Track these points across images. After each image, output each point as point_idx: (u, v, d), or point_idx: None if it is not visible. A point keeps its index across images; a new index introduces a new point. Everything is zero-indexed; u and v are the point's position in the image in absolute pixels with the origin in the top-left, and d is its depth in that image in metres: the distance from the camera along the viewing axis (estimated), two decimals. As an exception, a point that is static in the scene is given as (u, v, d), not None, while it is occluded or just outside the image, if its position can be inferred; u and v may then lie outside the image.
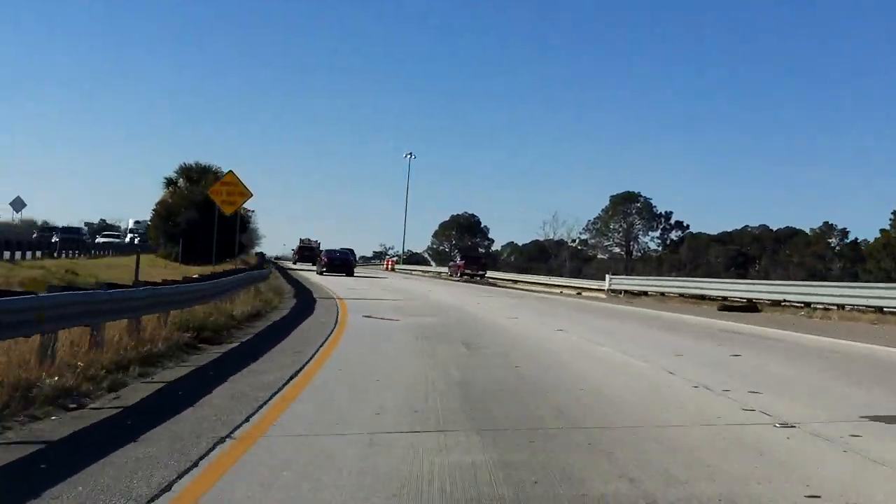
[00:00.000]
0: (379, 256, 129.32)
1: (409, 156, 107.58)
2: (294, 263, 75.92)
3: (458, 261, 63.66)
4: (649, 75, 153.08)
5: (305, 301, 27.02)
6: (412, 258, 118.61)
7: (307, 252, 73.32)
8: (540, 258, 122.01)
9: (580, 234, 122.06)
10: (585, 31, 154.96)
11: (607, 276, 39.64)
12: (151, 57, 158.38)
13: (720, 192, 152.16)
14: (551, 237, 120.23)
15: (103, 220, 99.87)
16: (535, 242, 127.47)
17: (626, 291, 36.88)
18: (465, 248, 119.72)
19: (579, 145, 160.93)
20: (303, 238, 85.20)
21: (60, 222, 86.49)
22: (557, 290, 44.57)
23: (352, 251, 77.20)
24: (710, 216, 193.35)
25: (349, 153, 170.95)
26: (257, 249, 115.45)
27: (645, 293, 36.08)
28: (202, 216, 57.85)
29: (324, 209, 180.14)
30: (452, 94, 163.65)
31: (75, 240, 45.48)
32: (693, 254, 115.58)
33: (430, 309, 23.73)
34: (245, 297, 23.21)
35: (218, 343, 13.73)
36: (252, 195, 36.93)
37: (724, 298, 30.69)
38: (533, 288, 49.36)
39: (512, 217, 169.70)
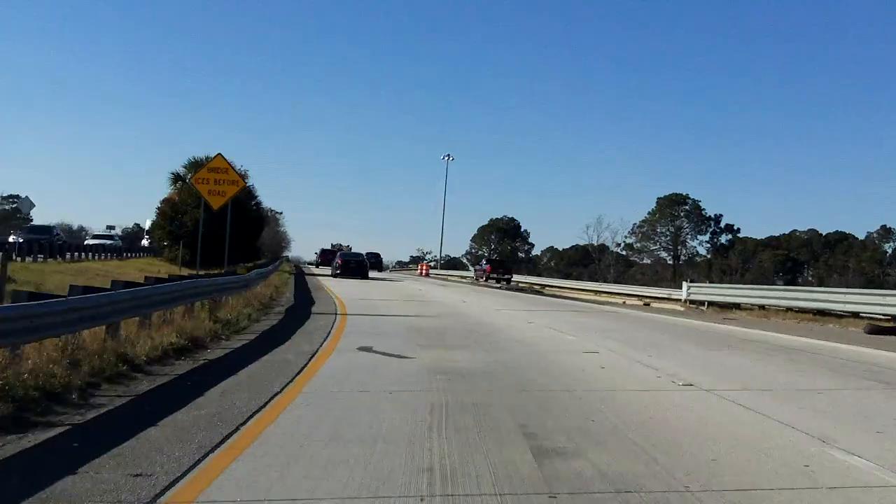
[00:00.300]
0: (416, 261, 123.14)
1: (447, 157, 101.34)
2: (316, 267, 71.42)
3: (484, 265, 61.91)
4: (697, 74, 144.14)
5: (295, 317, 19.56)
6: (450, 263, 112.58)
7: (329, 256, 69.97)
8: (581, 263, 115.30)
9: (625, 237, 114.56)
10: (630, 30, 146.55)
11: (685, 283, 31.47)
12: (180, 59, 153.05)
13: (766, 194, 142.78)
14: (595, 241, 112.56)
15: (137, 225, 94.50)
16: (576, 247, 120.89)
17: (710, 303, 28.92)
18: (498, 253, 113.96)
19: (624, 146, 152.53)
20: (334, 243, 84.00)
21: (96, 227, 79.97)
22: (617, 300, 36.86)
23: (377, 255, 73.41)
24: (755, 219, 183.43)
25: (389, 158, 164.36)
26: (288, 253, 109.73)
27: (737, 306, 27.98)
28: (213, 214, 51.10)
29: (361, 214, 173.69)
30: (492, 97, 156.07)
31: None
32: (743, 259, 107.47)
33: (464, 331, 16.31)
34: (197, 314, 15.75)
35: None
36: (245, 184, 29.68)
37: (856, 315, 22.76)
38: (583, 296, 41.91)
39: (553, 221, 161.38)
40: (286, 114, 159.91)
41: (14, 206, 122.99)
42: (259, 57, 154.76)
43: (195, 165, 51.30)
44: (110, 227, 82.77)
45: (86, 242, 46.50)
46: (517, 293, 40.84)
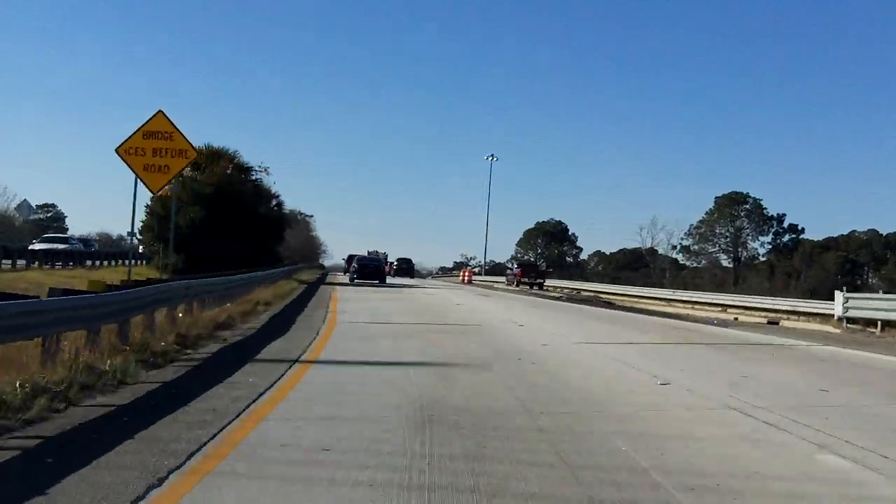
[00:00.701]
0: (460, 267, 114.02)
1: (490, 158, 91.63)
2: (345, 274, 62.36)
3: (514, 269, 59.84)
4: (755, 66, 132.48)
5: (216, 369, 10.33)
6: (495, 268, 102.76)
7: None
8: (630, 267, 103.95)
9: (681, 239, 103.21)
10: (687, 20, 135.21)
11: (838, 293, 21.12)
12: (206, 68, 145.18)
13: (826, 193, 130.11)
14: (650, 244, 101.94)
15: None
16: (624, 251, 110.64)
17: (885, 323, 18.82)
18: (545, 258, 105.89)
19: (678, 142, 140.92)
20: (370, 250, 77.10)
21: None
22: (709, 312, 27.12)
23: (408, 260, 69.64)
24: (813, 219, 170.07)
25: (431, 162, 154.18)
26: (326, 260, 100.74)
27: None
28: (212, 214, 42.39)
29: (402, 220, 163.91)
30: (535, 95, 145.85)
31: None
32: (807, 261, 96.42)
33: (557, 431, 6.44)
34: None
35: None
36: (196, 154, 20.42)
37: None
38: (657, 306, 32.53)
39: (602, 224, 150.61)
40: (322, 117, 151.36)
41: (50, 214, 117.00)
42: (286, 58, 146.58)
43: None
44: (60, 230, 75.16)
45: (30, 247, 37.23)
46: (581, 305, 30.87)
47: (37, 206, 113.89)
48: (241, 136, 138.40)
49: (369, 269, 44.32)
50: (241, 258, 40.19)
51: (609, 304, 33.96)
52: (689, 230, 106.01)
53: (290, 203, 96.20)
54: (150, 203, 40.13)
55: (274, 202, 61.50)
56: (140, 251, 42.19)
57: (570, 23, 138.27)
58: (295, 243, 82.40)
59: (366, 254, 75.67)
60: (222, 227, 41.08)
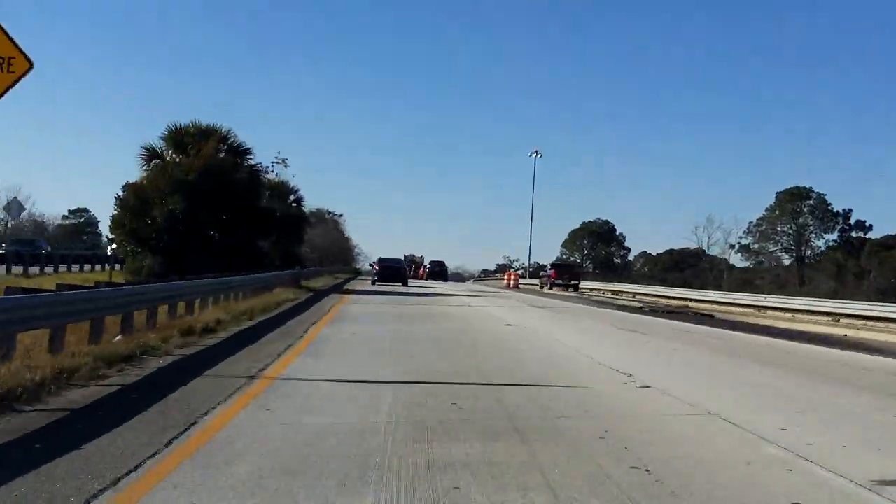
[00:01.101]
0: (503, 269, 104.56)
1: (534, 153, 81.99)
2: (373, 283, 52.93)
3: (548, 270, 56.56)
4: (813, 53, 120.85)
5: None
6: (538, 271, 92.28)
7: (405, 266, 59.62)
8: (677, 268, 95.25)
9: (739, 238, 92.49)
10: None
11: None
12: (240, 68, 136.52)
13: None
14: (706, 243, 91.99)
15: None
16: (671, 251, 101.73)
17: None
18: (592, 259, 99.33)
19: (732, 136, 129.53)
20: (406, 254, 73.64)
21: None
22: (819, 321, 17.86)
23: (441, 263, 66.87)
24: (882, 215, 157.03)
25: (470, 162, 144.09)
26: (362, 264, 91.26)
27: None
28: (196, 205, 33.64)
29: (443, 223, 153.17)
30: (580, 89, 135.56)
31: None
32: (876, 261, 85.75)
33: None
34: None
35: None
36: (31, 65, 11.81)
37: None
38: (751, 317, 23.35)
39: (651, 223, 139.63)
40: (360, 118, 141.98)
41: (82, 219, 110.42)
42: (320, 60, 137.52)
43: (177, 137, 33.92)
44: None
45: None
46: (681, 323, 21.95)
47: (69, 210, 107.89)
48: (277, 136, 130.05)
49: (390, 271, 42.43)
50: (233, 259, 31.56)
51: (707, 317, 24.64)
52: (748, 228, 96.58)
53: (335, 208, 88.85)
54: (121, 194, 31.64)
55: (292, 198, 53.23)
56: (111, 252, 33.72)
57: (615, 14, 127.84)
58: (322, 244, 73.92)
59: (402, 257, 71.90)
60: (211, 223, 32.51)
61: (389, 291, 33.55)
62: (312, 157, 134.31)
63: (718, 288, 63.57)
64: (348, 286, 39.92)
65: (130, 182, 31.66)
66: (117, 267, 33.91)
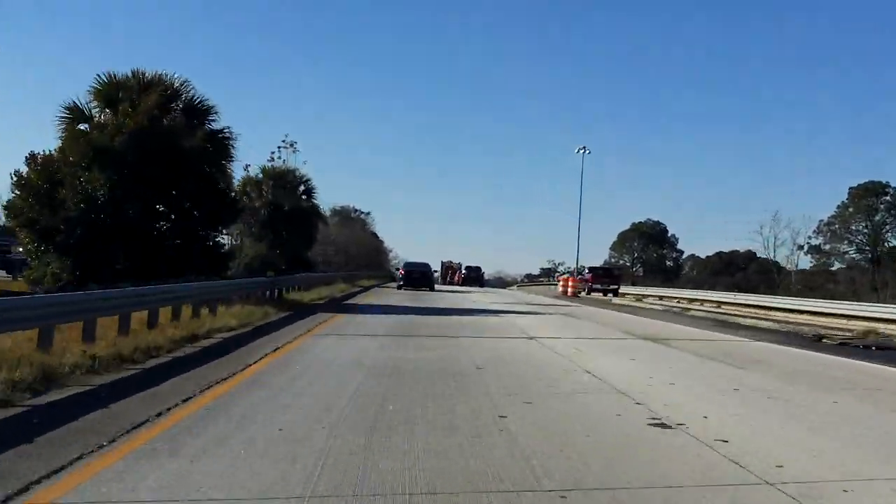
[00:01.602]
0: (548, 274, 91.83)
1: (582, 150, 71.95)
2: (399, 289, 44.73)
3: (585, 273, 51.41)
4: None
5: None
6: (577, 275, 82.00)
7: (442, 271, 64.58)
8: (725, 272, 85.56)
9: (808, 238, 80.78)
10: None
11: None
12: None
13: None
14: (772, 244, 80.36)
15: None
16: (720, 254, 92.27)
17: None
18: (643, 262, 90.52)
19: (798, 125, 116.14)
20: (444, 260, 70.82)
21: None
22: None
23: (478, 269, 63.94)
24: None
25: (514, 162, 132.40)
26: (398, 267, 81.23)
27: None
28: (126, 184, 19.80)
29: (483, 227, 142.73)
30: (628, 82, 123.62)
31: None
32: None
33: None
34: None
35: None
36: None
37: None
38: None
39: (704, 224, 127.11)
40: (400, 121, 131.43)
41: None
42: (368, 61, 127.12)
43: (111, 91, 23.57)
44: None
45: None
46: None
47: None
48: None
49: (416, 275, 40.53)
50: (185, 260, 21.22)
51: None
52: (818, 227, 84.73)
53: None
54: (22, 171, 21.37)
55: (302, 188, 43.00)
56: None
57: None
58: (347, 245, 63.63)
59: (439, 263, 69.11)
60: (149, 210, 22.09)
61: (408, 308, 23.07)
62: (347, 161, 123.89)
63: (789, 293, 51.89)
64: (359, 298, 29.32)
65: (35, 154, 21.43)
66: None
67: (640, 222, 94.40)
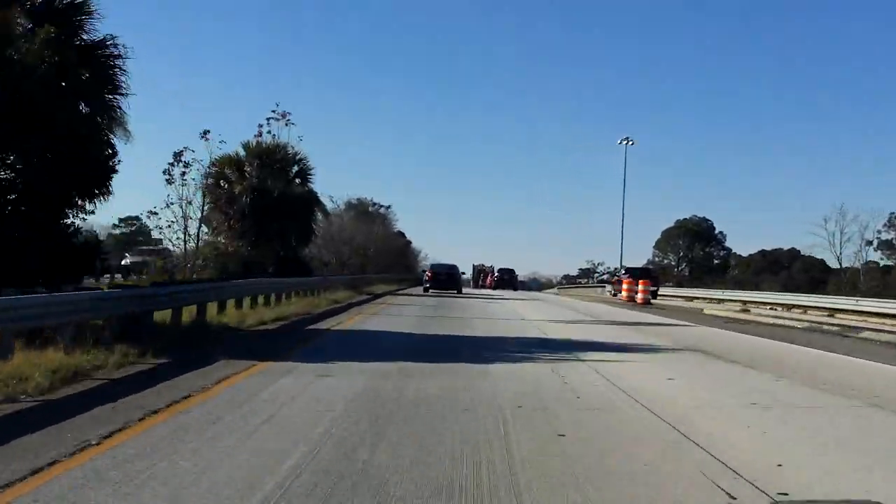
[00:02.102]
0: (587, 275, 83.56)
1: (625, 141, 63.64)
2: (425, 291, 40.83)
3: (623, 276, 43.41)
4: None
5: None
6: (611, 276, 72.82)
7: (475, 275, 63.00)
8: (769, 271, 77.26)
9: (877, 233, 69.64)
10: None
11: None
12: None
13: None
14: (838, 239, 69.97)
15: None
16: (763, 252, 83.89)
17: None
18: (688, 261, 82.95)
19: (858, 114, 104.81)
20: (476, 264, 69.09)
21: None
22: None
23: (511, 271, 61.78)
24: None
25: (541, 160, 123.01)
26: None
27: None
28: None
29: (518, 228, 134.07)
30: (674, 70, 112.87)
31: None
32: None
33: None
34: None
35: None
36: None
37: None
38: None
39: (749, 219, 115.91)
40: (431, 122, 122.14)
41: (133, 228, 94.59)
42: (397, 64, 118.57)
43: None
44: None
45: None
46: None
47: (119, 219, 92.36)
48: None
49: (442, 277, 38.78)
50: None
51: None
52: (888, 221, 73.95)
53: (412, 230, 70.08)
54: None
55: (295, 170, 33.01)
56: None
57: None
58: (364, 243, 53.79)
59: (471, 267, 66.87)
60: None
61: (412, 343, 12.85)
62: (381, 162, 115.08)
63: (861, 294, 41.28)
64: (344, 316, 18.94)
65: None
66: None
67: (685, 219, 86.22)
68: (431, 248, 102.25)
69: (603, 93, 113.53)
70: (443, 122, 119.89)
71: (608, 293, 44.02)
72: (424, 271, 45.13)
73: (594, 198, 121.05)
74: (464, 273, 50.87)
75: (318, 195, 32.68)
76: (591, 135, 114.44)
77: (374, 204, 64.11)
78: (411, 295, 34.74)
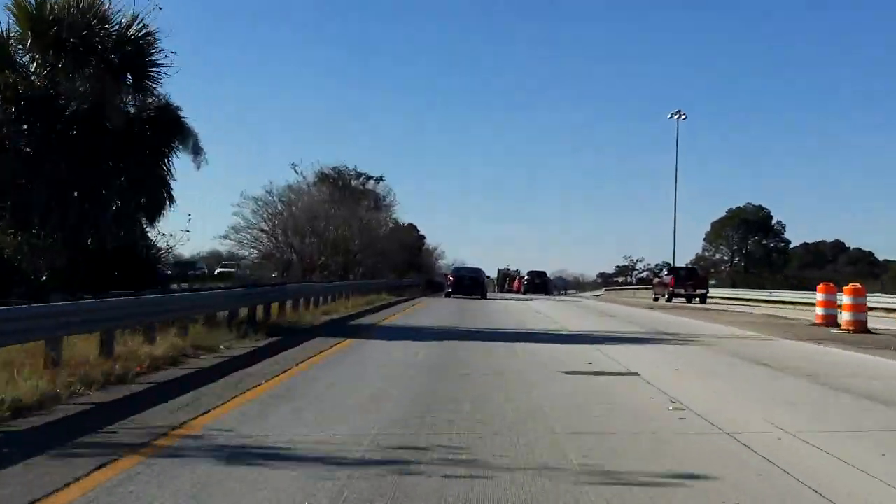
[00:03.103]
0: (624, 272, 79.26)
1: (677, 115, 53.10)
2: (447, 297, 36.73)
3: (665, 276, 40.64)
4: None
5: None
6: (654, 277, 67.10)
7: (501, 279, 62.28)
8: (814, 264, 71.77)
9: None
10: None
11: None
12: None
13: None
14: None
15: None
16: (806, 244, 78.40)
17: None
18: (743, 255, 73.97)
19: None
20: (500, 267, 66.41)
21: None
22: None
23: (542, 274, 55.26)
24: None
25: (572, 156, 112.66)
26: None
27: None
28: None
29: (549, 226, 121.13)
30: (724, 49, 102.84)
31: None
32: None
33: None
34: None
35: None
36: None
37: None
38: None
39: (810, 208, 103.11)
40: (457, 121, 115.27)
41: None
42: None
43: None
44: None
45: None
46: None
47: None
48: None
49: (466, 282, 35.94)
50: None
51: None
52: None
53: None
54: None
55: (127, 60, 13.89)
56: None
57: None
58: (369, 243, 38.00)
59: (496, 270, 64.81)
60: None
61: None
62: (406, 158, 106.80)
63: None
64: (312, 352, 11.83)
65: None
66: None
67: (740, 207, 76.39)
68: (449, 248, 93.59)
69: (640, 75, 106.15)
70: (454, 116, 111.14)
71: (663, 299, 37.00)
72: (446, 274, 41.76)
73: (631, 189, 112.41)
74: (488, 276, 47.04)
75: (185, 119, 15.44)
76: (625, 118, 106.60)
77: (360, 175, 43.48)
78: (417, 306, 26.06)
